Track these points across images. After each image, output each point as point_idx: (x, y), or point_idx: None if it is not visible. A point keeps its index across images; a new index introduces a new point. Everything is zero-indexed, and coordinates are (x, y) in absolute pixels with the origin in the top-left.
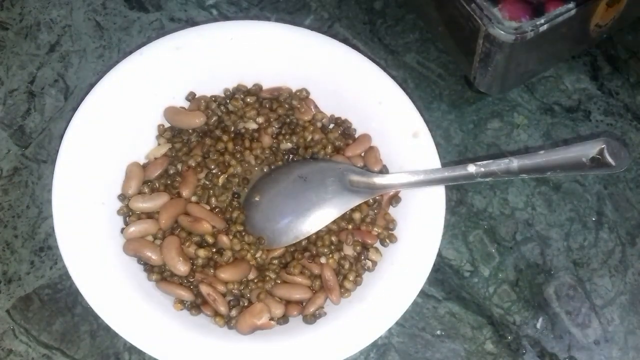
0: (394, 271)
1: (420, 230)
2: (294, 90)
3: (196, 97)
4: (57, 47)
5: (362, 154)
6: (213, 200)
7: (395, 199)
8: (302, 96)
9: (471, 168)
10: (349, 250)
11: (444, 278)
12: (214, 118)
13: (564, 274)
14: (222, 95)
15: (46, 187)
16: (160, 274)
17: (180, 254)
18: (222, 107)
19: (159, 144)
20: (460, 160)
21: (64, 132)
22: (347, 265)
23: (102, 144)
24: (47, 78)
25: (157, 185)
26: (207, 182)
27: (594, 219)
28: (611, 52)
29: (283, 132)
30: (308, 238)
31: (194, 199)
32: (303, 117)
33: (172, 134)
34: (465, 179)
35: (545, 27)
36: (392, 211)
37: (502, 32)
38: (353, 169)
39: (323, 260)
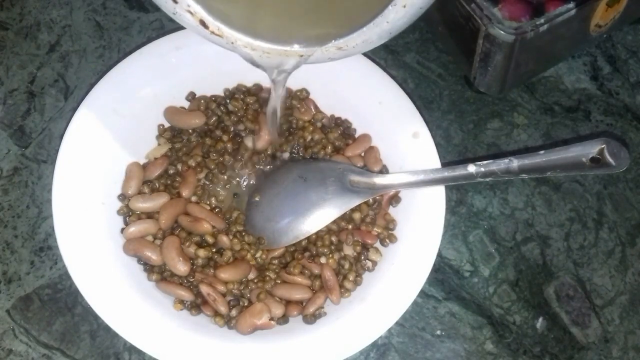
0: (394, 271)
1: (420, 230)
2: (294, 90)
3: (196, 97)
4: (57, 47)
5: (362, 154)
6: (213, 200)
7: (395, 199)
8: (302, 96)
9: (471, 168)
10: (349, 250)
11: (444, 278)
12: (214, 118)
13: (564, 274)
14: (222, 95)
15: (46, 187)
16: (160, 274)
17: (180, 254)
18: (222, 107)
19: (159, 144)
20: (460, 160)
21: (64, 132)
22: (347, 265)
23: (102, 144)
24: (47, 78)
25: (157, 185)
26: (207, 182)
27: (594, 218)
28: (611, 52)
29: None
30: (308, 238)
31: (194, 199)
32: (303, 117)
33: (172, 134)
34: (465, 179)
35: (545, 27)
36: (392, 211)
37: (502, 32)
38: (353, 169)
39: (323, 260)
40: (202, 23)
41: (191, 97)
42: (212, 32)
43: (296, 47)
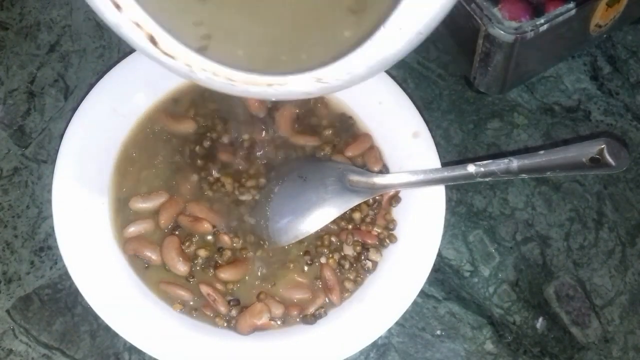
0: (394, 271)
1: (420, 230)
2: None
3: (187, 99)
4: (57, 47)
5: (362, 154)
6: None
7: (395, 199)
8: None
9: (471, 168)
10: (349, 250)
11: (444, 278)
12: (204, 122)
13: (564, 274)
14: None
15: (46, 187)
16: (160, 274)
17: (180, 254)
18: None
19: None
20: (460, 160)
21: (64, 132)
22: (347, 265)
23: (102, 143)
24: (47, 78)
25: (156, 185)
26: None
27: (594, 219)
28: (611, 52)
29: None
30: (308, 238)
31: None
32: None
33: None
34: (465, 179)
35: (545, 27)
36: (392, 211)
37: (502, 32)
38: (353, 169)
39: (323, 260)
40: (152, 39)
41: (182, 99)
42: (164, 53)
43: (265, 77)
